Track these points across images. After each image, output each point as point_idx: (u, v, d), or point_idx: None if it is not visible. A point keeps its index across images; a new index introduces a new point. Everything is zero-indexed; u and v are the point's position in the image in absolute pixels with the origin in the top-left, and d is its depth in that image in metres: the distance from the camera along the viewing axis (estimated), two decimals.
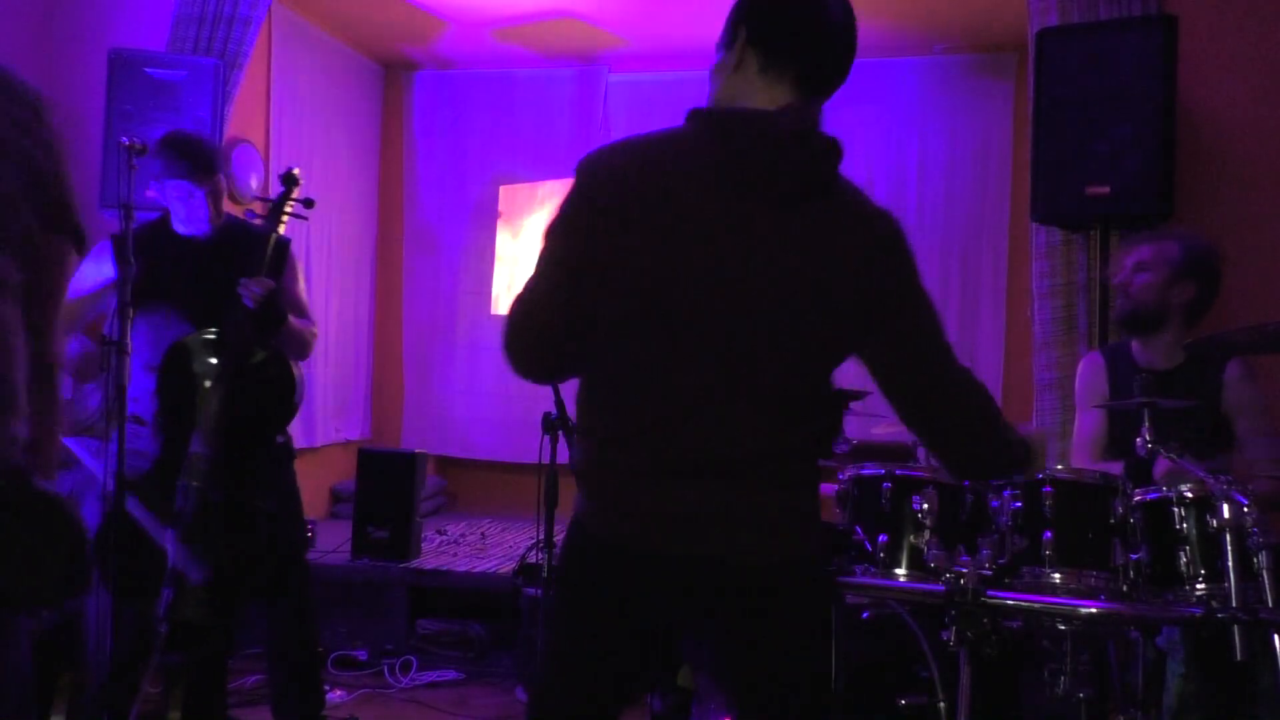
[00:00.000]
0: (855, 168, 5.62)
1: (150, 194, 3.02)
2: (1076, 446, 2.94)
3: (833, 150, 1.58)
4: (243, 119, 4.75)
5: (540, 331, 1.59)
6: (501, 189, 6.18)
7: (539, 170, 6.03)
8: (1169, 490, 2.23)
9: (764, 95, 1.60)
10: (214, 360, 2.85)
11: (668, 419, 1.58)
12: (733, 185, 1.54)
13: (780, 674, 1.63)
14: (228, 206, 3.18)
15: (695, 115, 1.59)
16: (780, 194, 1.55)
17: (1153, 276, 2.77)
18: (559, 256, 1.58)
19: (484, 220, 6.22)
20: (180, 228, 3.04)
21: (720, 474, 1.57)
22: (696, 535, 1.58)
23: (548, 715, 1.71)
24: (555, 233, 1.59)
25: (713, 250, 1.54)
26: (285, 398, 2.95)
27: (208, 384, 2.84)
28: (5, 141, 1.40)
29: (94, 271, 2.97)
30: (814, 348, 1.59)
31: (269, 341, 2.94)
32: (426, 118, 6.33)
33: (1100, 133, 3.38)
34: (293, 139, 5.37)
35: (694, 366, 1.56)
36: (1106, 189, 3.36)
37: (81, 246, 1.52)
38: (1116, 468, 2.71)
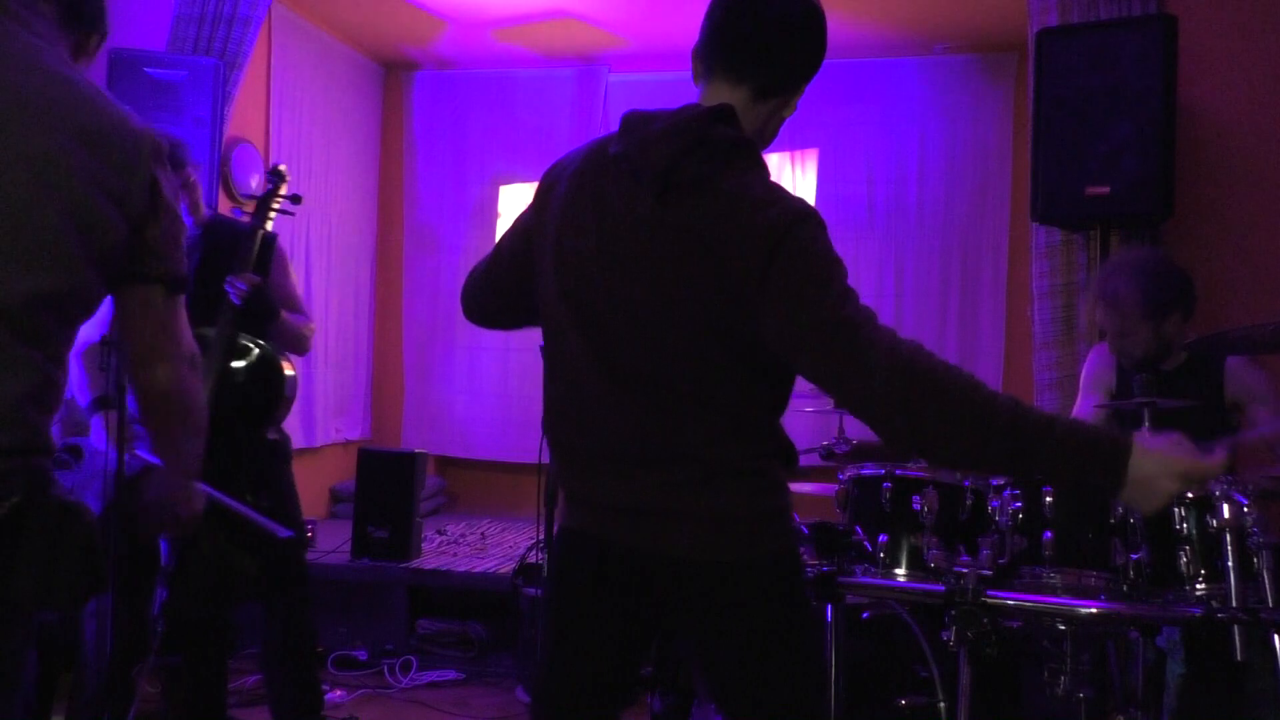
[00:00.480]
0: (855, 168, 5.65)
1: None
2: None
3: (704, 146, 1.55)
4: (243, 119, 4.75)
5: (469, 290, 1.91)
6: (501, 189, 6.19)
7: (539, 170, 5.87)
8: None
9: (705, 99, 1.67)
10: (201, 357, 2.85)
11: (574, 409, 1.66)
12: (620, 182, 1.61)
13: (745, 675, 1.62)
14: (226, 204, 3.18)
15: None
16: (652, 187, 1.56)
17: (1141, 333, 2.75)
18: (500, 241, 1.86)
19: (484, 220, 6.22)
20: None
21: (630, 467, 1.61)
22: (626, 527, 1.63)
23: (545, 706, 1.74)
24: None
25: (596, 243, 1.61)
26: (274, 394, 2.95)
27: None
28: (83, 201, 1.46)
29: None
30: (691, 339, 1.54)
31: (261, 337, 2.95)
32: (426, 118, 6.33)
33: (1100, 133, 3.38)
34: (293, 139, 5.37)
35: (588, 357, 1.63)
36: (1106, 189, 3.35)
37: (179, 289, 1.64)
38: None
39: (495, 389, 6.11)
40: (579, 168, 1.71)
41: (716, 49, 1.64)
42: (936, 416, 1.44)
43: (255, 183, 4.91)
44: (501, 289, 1.85)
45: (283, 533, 2.66)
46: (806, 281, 1.49)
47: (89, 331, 3.06)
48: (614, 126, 1.69)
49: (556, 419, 1.71)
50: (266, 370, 2.94)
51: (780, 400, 1.66)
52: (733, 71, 1.63)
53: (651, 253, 1.56)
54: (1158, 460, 1.46)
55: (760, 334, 1.52)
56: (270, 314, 2.96)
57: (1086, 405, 2.92)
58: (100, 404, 2.96)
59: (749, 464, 1.61)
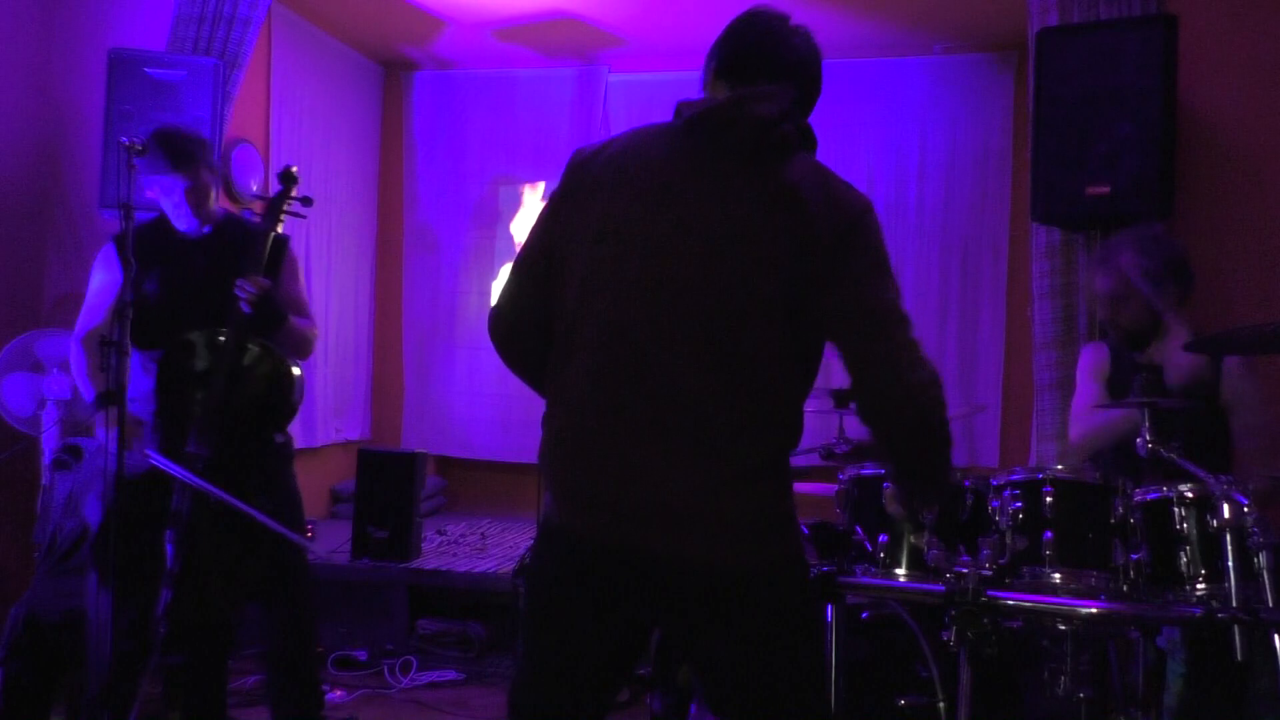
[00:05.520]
0: (855, 167, 5.64)
1: (148, 194, 3.02)
2: (1075, 414, 2.92)
3: (791, 116, 1.65)
4: (243, 119, 4.75)
5: (506, 319, 1.78)
6: (501, 189, 6.18)
7: (539, 170, 6.01)
8: (1169, 490, 2.23)
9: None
10: (209, 360, 2.84)
11: (608, 401, 1.62)
12: (685, 149, 1.66)
13: (752, 681, 1.62)
14: (226, 204, 3.18)
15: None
16: (743, 146, 1.63)
17: (1134, 302, 2.76)
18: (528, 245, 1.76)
19: (484, 220, 6.21)
20: (179, 224, 3.03)
21: (671, 460, 1.59)
22: (647, 531, 1.59)
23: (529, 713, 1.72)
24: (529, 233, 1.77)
25: (661, 214, 1.63)
26: (282, 397, 2.94)
27: (204, 383, 2.84)
28: None
29: (109, 282, 2.98)
30: (758, 312, 1.61)
31: (268, 340, 2.94)
32: (426, 118, 6.33)
33: (1100, 133, 3.37)
34: (293, 139, 5.37)
35: (639, 335, 1.62)
36: (1106, 189, 3.35)
37: None
38: (1117, 412, 2.69)
39: (495, 389, 6.10)
40: (620, 147, 1.70)
41: (726, 55, 1.74)
42: (926, 446, 1.67)
43: (255, 183, 4.91)
44: (543, 299, 1.73)
45: (299, 540, 2.66)
46: (873, 267, 1.60)
47: (89, 317, 3.04)
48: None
49: (580, 416, 1.65)
50: (276, 373, 2.93)
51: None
52: (735, 74, 1.71)
53: (734, 216, 1.59)
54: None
55: (818, 309, 1.59)
56: (279, 320, 2.94)
57: (1086, 393, 2.91)
58: (105, 400, 2.94)
59: (780, 461, 1.64)
